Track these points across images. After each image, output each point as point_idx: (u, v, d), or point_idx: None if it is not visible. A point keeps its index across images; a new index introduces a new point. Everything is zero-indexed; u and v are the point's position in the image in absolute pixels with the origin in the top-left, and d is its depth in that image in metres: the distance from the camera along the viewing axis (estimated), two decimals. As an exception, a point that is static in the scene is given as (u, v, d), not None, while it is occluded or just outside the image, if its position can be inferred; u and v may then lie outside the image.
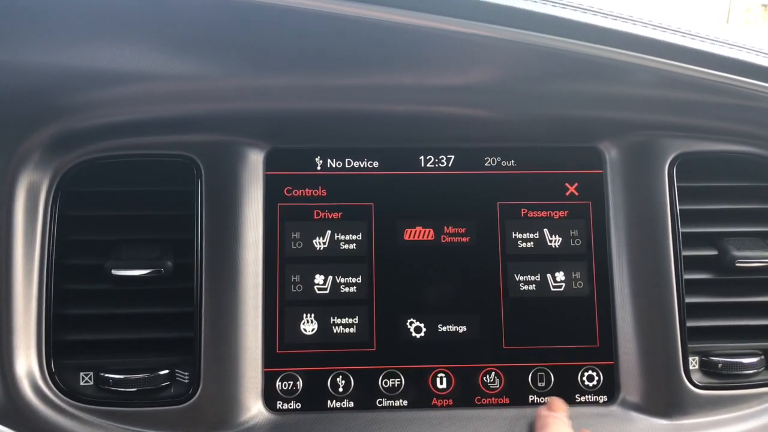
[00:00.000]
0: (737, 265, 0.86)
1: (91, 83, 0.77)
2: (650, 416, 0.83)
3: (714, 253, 0.87)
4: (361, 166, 0.88)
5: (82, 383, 0.82)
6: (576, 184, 0.88)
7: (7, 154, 0.79)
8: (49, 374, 0.80)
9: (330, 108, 0.84)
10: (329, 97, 0.82)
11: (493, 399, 0.85)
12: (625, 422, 0.83)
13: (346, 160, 0.88)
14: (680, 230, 0.86)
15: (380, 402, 0.84)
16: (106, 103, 0.80)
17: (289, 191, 0.87)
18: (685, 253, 0.86)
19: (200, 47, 0.75)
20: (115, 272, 0.81)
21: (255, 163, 0.85)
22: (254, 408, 0.82)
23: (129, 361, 0.82)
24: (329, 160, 0.88)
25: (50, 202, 0.82)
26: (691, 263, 0.87)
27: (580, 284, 0.86)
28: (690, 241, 0.87)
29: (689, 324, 0.85)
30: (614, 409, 0.84)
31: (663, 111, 0.86)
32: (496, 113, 0.85)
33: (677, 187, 0.87)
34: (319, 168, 0.87)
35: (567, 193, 0.88)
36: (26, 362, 0.79)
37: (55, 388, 0.80)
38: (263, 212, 0.85)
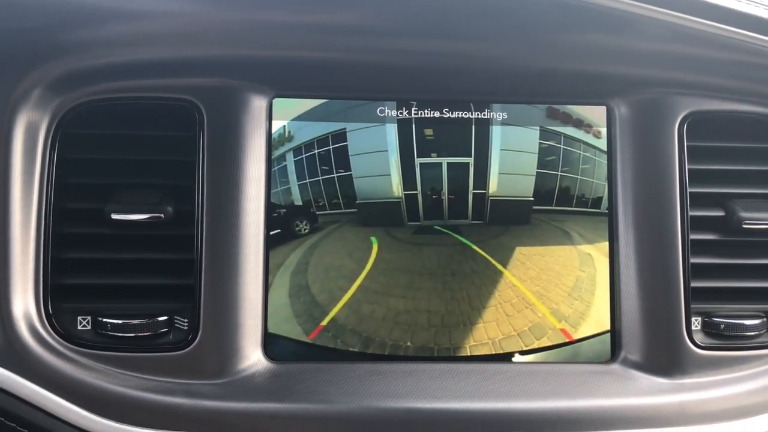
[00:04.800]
0: (744, 226, 0.85)
1: (91, 21, 0.76)
2: (651, 375, 0.83)
3: (721, 214, 0.87)
4: None
5: (80, 327, 0.81)
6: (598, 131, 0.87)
7: (6, 90, 0.77)
8: (46, 317, 0.79)
9: (334, 56, 0.82)
10: (333, 44, 0.81)
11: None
12: (626, 380, 0.83)
13: None
14: (688, 190, 0.85)
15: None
16: (108, 42, 0.78)
17: (291, 140, 0.85)
18: (692, 213, 0.85)
19: None
20: (114, 216, 0.80)
21: (258, 110, 0.83)
22: (254, 356, 0.82)
23: (128, 306, 0.81)
24: None
25: (49, 144, 0.81)
26: (698, 223, 0.86)
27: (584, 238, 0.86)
28: (697, 201, 0.86)
29: (693, 284, 0.84)
30: (615, 367, 0.84)
31: (675, 67, 0.84)
32: (508, 65, 0.83)
33: (687, 146, 0.85)
34: None
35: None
36: (23, 304, 0.79)
37: (52, 331, 0.79)
38: (266, 160, 0.84)
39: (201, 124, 0.82)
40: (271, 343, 0.83)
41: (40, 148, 0.80)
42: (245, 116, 0.83)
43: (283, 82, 0.84)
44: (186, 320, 0.81)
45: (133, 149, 0.83)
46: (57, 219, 0.81)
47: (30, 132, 0.79)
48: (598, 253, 0.86)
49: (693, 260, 0.84)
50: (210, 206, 0.81)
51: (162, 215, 0.81)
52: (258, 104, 0.83)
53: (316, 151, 0.85)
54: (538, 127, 0.86)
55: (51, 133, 0.81)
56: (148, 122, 0.83)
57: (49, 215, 0.80)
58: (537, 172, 0.86)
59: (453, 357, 0.84)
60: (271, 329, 0.83)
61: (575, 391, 0.81)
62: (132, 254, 0.82)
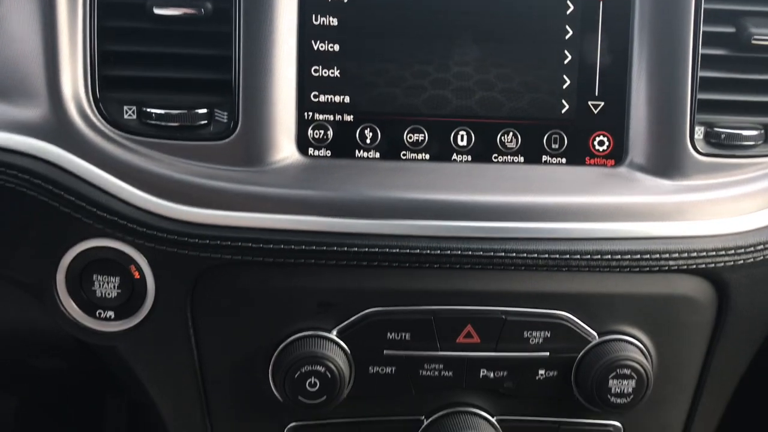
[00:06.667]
0: (753, 41, 0.89)
1: None
2: (654, 176, 0.90)
3: (732, 30, 0.91)
4: None
5: (126, 116, 0.86)
6: None
7: None
8: (94, 102, 0.84)
9: None
10: None
11: (508, 157, 0.91)
12: (630, 182, 0.90)
13: None
14: (703, 5, 0.88)
15: (404, 154, 0.90)
16: None
17: None
18: (704, 28, 0.89)
19: None
20: (156, 11, 0.84)
21: None
22: (288, 149, 0.88)
23: (170, 98, 0.86)
24: None
25: None
26: (708, 39, 0.90)
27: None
28: (710, 16, 0.90)
29: (700, 96, 0.90)
30: (621, 170, 0.91)
31: None
32: None
33: None
34: None
35: None
36: (73, 88, 0.83)
37: (100, 117, 0.85)
38: None
39: None
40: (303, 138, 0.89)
41: None
42: None
43: None
44: (225, 113, 0.87)
45: None
46: (102, 12, 0.84)
47: None
48: None
49: (702, 74, 0.89)
50: (247, 3, 0.84)
51: (202, 10, 0.84)
52: None
53: None
54: None
55: None
56: None
57: (93, 8, 0.84)
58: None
59: (471, 159, 0.90)
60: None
61: (585, 189, 0.89)
62: (174, 49, 0.86)
